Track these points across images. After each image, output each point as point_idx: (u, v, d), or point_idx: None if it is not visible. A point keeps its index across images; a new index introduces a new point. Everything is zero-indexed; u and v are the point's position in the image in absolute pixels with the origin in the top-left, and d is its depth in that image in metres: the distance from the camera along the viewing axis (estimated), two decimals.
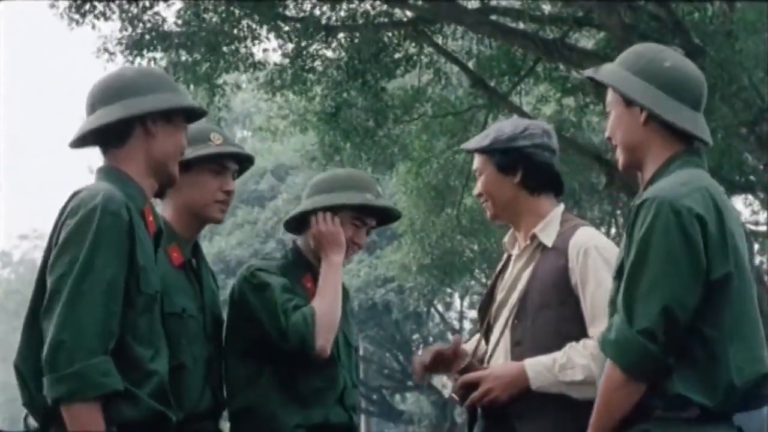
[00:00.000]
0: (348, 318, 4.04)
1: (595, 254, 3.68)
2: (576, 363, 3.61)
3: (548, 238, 3.79)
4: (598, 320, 3.61)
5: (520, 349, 3.73)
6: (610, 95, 3.31)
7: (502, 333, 3.81)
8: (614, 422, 3.04)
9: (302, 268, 3.93)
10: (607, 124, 3.36)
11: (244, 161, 3.88)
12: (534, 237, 3.82)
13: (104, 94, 3.27)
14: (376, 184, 4.03)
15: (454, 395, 3.86)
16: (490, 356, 3.84)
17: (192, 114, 3.41)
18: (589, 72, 3.39)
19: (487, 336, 3.93)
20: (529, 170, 3.84)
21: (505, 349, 3.78)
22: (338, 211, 3.92)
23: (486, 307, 3.96)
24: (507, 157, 3.83)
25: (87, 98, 3.31)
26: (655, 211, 3.00)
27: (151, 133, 3.26)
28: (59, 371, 2.97)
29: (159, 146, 3.28)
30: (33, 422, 3.15)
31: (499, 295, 3.89)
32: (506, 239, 4.01)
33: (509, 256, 3.96)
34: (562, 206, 3.90)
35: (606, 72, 3.30)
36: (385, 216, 4.09)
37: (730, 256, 3.03)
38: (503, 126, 3.92)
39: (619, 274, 3.12)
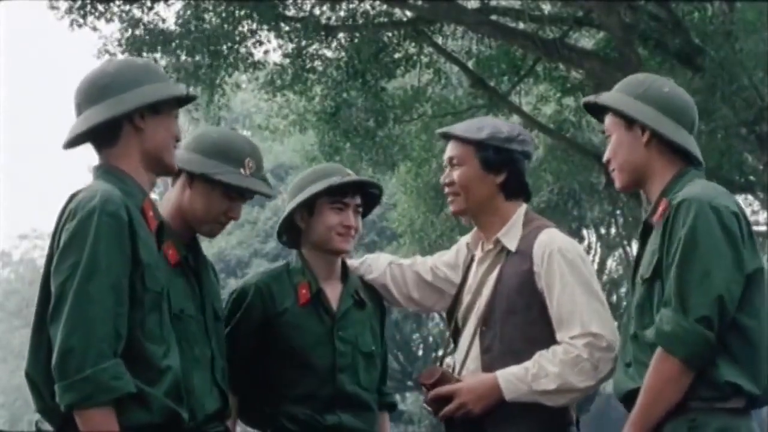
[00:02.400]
0: (366, 327, 3.98)
1: (559, 257, 3.68)
2: (549, 371, 3.61)
3: (511, 243, 3.78)
4: (567, 325, 3.64)
5: (489, 356, 3.73)
6: (609, 119, 3.45)
7: (471, 341, 3.80)
8: (662, 413, 3.12)
9: (300, 275, 3.91)
10: (607, 147, 3.48)
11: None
12: (497, 241, 3.81)
13: (88, 94, 3.24)
14: (344, 169, 3.97)
15: (426, 406, 3.84)
16: (462, 365, 3.82)
17: (181, 100, 3.36)
18: (590, 98, 3.52)
19: (455, 339, 3.91)
20: (513, 175, 3.82)
21: (476, 357, 3.77)
22: (314, 205, 3.89)
23: (453, 309, 3.94)
24: (498, 156, 3.81)
25: (74, 98, 3.28)
26: (696, 210, 3.14)
27: (140, 129, 3.23)
28: (70, 378, 2.96)
29: (150, 139, 3.26)
30: (46, 427, 3.13)
31: (465, 298, 3.87)
32: (470, 239, 3.98)
33: (472, 257, 3.94)
34: (524, 207, 3.87)
35: (607, 96, 3.44)
36: (367, 192, 4.02)
37: (758, 252, 3.21)
38: (498, 124, 3.90)
39: (654, 275, 3.21)
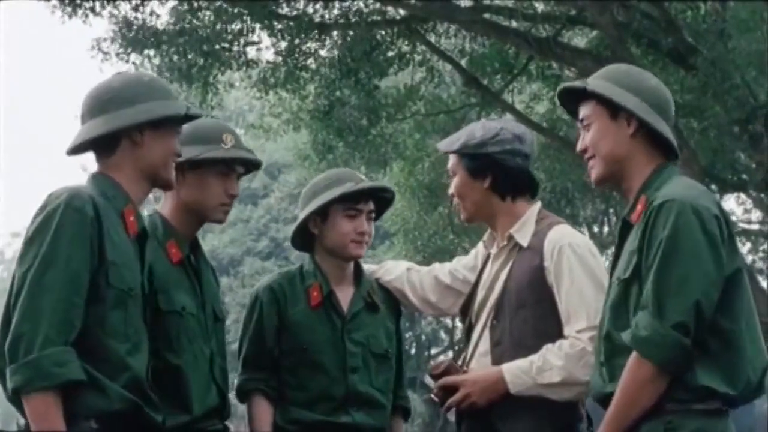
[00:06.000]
0: (380, 329, 4.02)
1: (570, 252, 3.71)
2: (553, 365, 3.63)
3: (524, 238, 3.81)
4: (574, 319, 3.66)
5: (499, 349, 3.76)
6: (589, 109, 3.37)
7: (481, 334, 3.84)
8: (636, 416, 3.10)
9: (312, 277, 3.97)
10: (582, 137, 3.41)
11: (252, 166, 3.85)
12: (510, 237, 3.84)
13: (92, 106, 3.32)
14: (356, 175, 4.01)
15: (433, 396, 3.90)
16: (470, 357, 3.86)
17: (183, 118, 3.40)
18: (579, 83, 3.45)
19: (468, 335, 3.95)
20: (499, 176, 3.84)
21: (486, 350, 3.81)
22: (328, 212, 3.94)
23: (467, 306, 3.98)
24: (476, 162, 3.85)
25: (81, 107, 3.35)
26: (677, 212, 3.09)
27: (137, 144, 3.29)
28: (17, 362, 3.00)
29: (146, 155, 3.31)
30: (23, 422, 3.12)
31: (479, 294, 3.91)
32: (485, 237, 4.02)
33: (488, 255, 3.98)
34: (538, 204, 3.91)
35: (595, 84, 3.36)
36: (380, 198, 4.06)
37: (738, 254, 3.17)
38: (474, 129, 3.92)
39: (633, 276, 3.17)
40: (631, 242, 3.21)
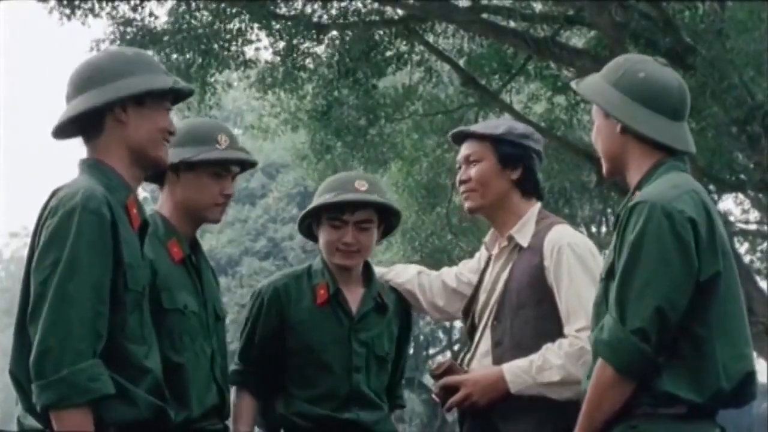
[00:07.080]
0: (384, 331, 4.04)
1: (569, 252, 3.72)
2: (553, 364, 3.65)
3: (524, 239, 3.83)
4: (573, 318, 3.68)
5: (500, 350, 3.78)
6: (594, 105, 3.36)
7: (482, 334, 3.85)
8: (603, 419, 3.08)
9: (320, 276, 3.98)
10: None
11: (248, 165, 3.84)
12: (511, 238, 3.86)
13: (75, 84, 3.19)
14: (352, 182, 3.95)
15: (434, 396, 3.92)
16: (471, 357, 3.88)
17: (172, 92, 3.27)
18: (572, 83, 3.48)
19: (471, 335, 3.96)
20: (528, 171, 3.88)
21: (486, 350, 3.82)
22: (319, 217, 3.96)
23: (469, 307, 3.99)
24: (515, 150, 3.86)
25: (66, 88, 3.23)
26: (647, 214, 3.04)
27: (121, 121, 3.16)
28: (46, 378, 2.90)
29: (132, 133, 3.17)
30: (28, 423, 3.07)
31: (482, 296, 3.93)
32: (487, 239, 4.03)
33: (490, 256, 3.99)
34: (538, 205, 3.93)
35: (586, 84, 3.36)
36: (382, 209, 4.02)
37: (719, 257, 3.08)
38: (514, 123, 4.01)
39: (608, 275, 3.15)
40: (613, 240, 3.19)
